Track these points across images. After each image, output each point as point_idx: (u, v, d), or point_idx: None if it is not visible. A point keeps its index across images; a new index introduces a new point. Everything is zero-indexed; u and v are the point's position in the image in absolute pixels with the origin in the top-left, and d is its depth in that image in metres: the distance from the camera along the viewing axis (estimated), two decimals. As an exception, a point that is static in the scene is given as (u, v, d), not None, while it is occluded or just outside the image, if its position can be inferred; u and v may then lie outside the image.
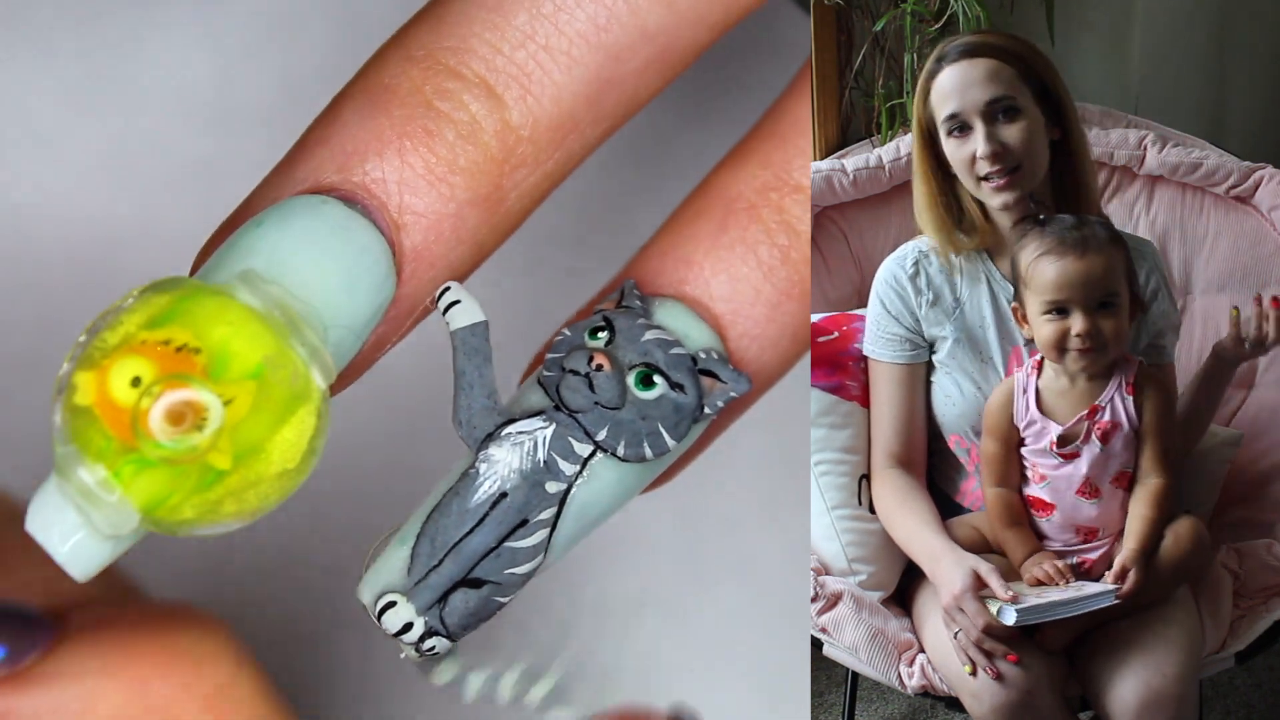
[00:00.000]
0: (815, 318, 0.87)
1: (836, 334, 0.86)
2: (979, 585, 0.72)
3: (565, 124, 0.40)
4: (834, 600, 0.79)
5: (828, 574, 0.82)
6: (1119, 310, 0.73)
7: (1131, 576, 0.72)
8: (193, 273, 0.38)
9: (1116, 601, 0.72)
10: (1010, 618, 0.70)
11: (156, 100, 0.61)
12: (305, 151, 0.39)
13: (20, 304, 0.56)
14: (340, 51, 0.42)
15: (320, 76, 0.42)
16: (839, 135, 1.01)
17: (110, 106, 0.61)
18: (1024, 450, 0.76)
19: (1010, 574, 0.78)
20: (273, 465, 0.35)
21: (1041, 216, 0.75)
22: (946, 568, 0.75)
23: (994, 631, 0.71)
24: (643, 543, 0.62)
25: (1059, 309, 0.73)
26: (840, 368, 0.85)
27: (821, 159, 0.98)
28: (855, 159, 0.96)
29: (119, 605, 0.42)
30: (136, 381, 0.33)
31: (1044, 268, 0.73)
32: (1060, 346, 0.73)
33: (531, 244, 0.60)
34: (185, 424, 0.33)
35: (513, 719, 0.56)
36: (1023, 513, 0.77)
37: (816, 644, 0.78)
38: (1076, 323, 0.73)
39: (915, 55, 0.94)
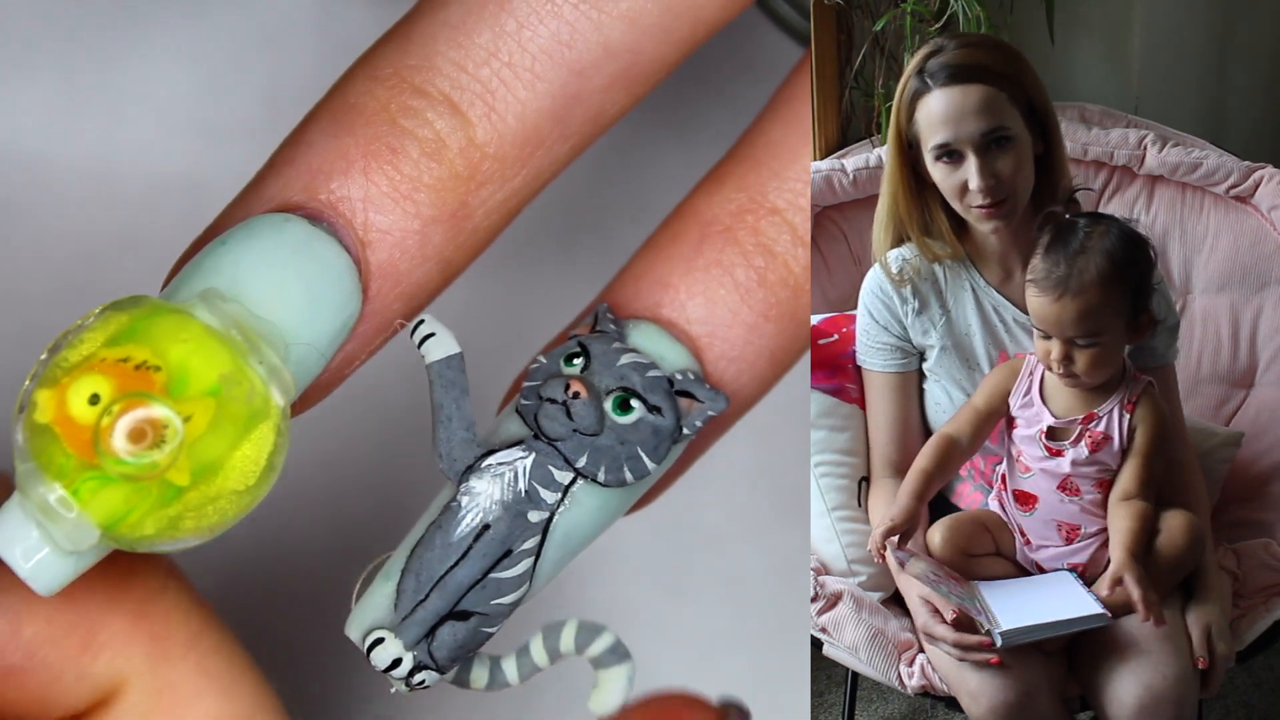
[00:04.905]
0: (815, 319, 0.87)
1: (836, 336, 0.86)
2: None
3: (531, 140, 0.40)
4: (834, 600, 0.80)
5: (828, 574, 0.82)
6: (1100, 345, 0.73)
7: (1130, 584, 0.71)
8: (163, 290, 0.39)
9: (1107, 622, 0.72)
10: (998, 640, 0.71)
11: (139, 114, 0.62)
12: (272, 171, 0.39)
13: (3, 318, 0.56)
14: (324, 66, 0.42)
15: (304, 91, 0.42)
16: (839, 135, 1.01)
17: (93, 121, 0.61)
18: (1014, 434, 0.77)
19: (1003, 568, 0.79)
20: (231, 482, 0.35)
21: (1068, 217, 0.75)
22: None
23: (968, 646, 0.72)
24: (642, 542, 0.63)
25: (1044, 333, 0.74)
26: (840, 370, 0.85)
27: (821, 159, 0.98)
28: (855, 159, 0.96)
29: None
30: (95, 399, 0.34)
31: (1029, 294, 0.74)
32: (1045, 363, 0.75)
33: (518, 264, 0.60)
34: (146, 441, 0.34)
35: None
36: (942, 470, 0.77)
37: (816, 644, 0.79)
38: (1054, 348, 0.74)
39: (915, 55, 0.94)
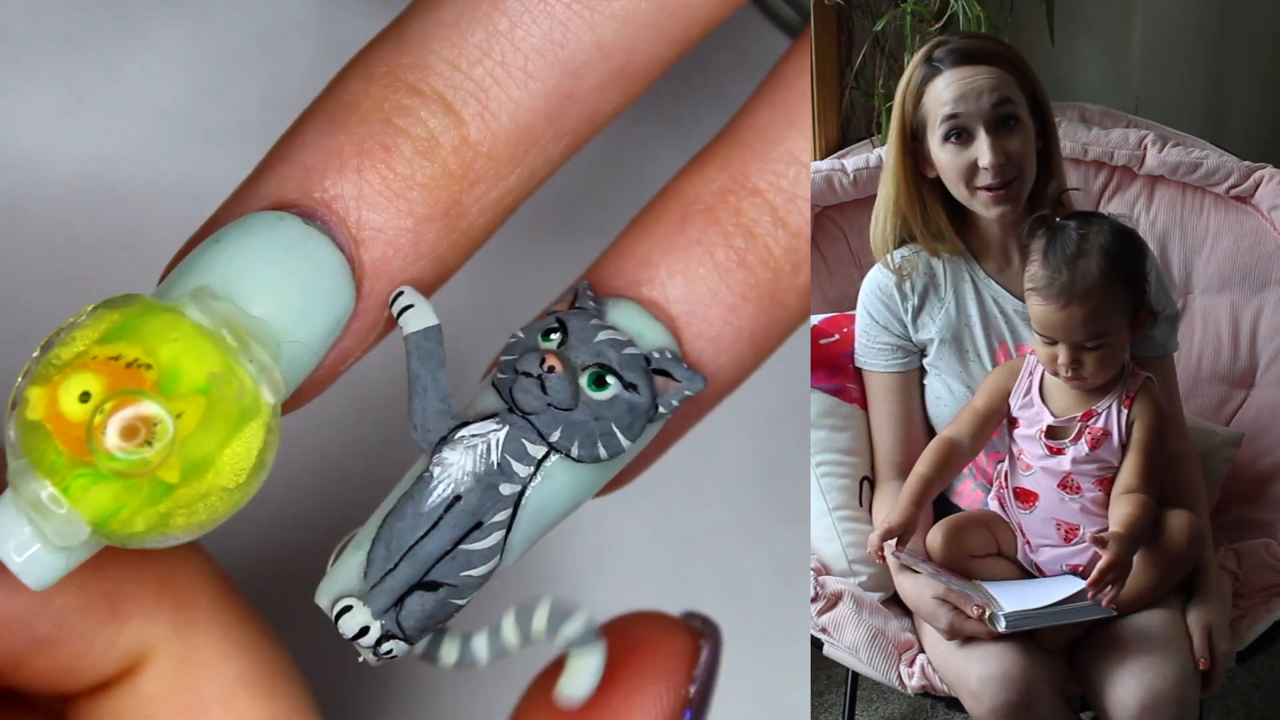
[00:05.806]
0: (815, 319, 0.87)
1: (837, 336, 0.86)
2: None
3: (524, 139, 0.40)
4: (834, 600, 0.80)
5: (828, 574, 0.82)
6: (1108, 345, 0.74)
7: (1111, 549, 0.71)
8: (158, 287, 0.39)
9: (1112, 614, 0.72)
10: (1001, 624, 0.71)
11: (138, 117, 0.62)
12: (267, 169, 0.40)
13: (2, 319, 0.56)
14: (322, 68, 0.42)
15: (301, 93, 0.42)
16: (839, 135, 1.02)
17: (92, 123, 0.61)
18: (1015, 434, 0.77)
19: (1005, 569, 0.79)
20: (221, 479, 0.35)
21: (1058, 220, 0.75)
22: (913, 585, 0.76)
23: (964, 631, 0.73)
24: (642, 542, 0.63)
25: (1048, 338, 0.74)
26: (841, 370, 0.85)
27: (821, 159, 0.98)
28: (855, 159, 0.96)
29: None
30: (85, 396, 0.34)
31: (1032, 303, 0.74)
32: (1052, 369, 0.75)
33: (511, 261, 0.60)
34: (138, 438, 0.34)
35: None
36: (942, 475, 0.77)
37: (816, 644, 0.79)
38: (1061, 353, 0.74)
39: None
